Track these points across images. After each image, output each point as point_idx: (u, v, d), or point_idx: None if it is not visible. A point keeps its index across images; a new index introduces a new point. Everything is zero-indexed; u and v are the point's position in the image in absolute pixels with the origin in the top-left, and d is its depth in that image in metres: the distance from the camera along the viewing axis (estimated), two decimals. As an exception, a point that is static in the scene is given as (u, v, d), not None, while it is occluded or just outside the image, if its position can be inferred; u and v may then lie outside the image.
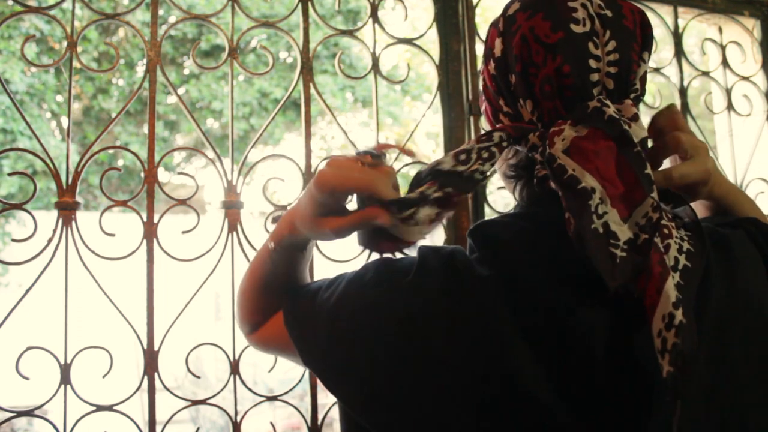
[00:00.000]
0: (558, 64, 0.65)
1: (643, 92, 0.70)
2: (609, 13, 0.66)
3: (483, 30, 1.11)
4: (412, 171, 1.18)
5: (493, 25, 0.73)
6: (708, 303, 0.62)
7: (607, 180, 0.60)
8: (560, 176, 0.62)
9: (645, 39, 0.68)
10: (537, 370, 0.59)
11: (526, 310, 0.61)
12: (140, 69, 8.06)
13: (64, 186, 1.15)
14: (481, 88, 0.76)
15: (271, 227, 0.89)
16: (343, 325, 0.66)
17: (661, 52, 1.89)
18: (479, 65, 1.25)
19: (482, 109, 0.77)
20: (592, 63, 0.65)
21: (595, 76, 0.65)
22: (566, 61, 0.64)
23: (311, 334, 0.69)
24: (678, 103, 1.64)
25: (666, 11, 1.67)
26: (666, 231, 0.61)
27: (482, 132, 0.66)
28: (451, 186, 0.62)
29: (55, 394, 1.10)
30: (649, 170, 0.60)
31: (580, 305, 0.60)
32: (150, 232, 1.18)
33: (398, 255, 0.69)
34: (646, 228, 0.58)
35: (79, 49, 1.63)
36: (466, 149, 0.65)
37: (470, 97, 1.40)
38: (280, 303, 0.76)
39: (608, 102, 0.63)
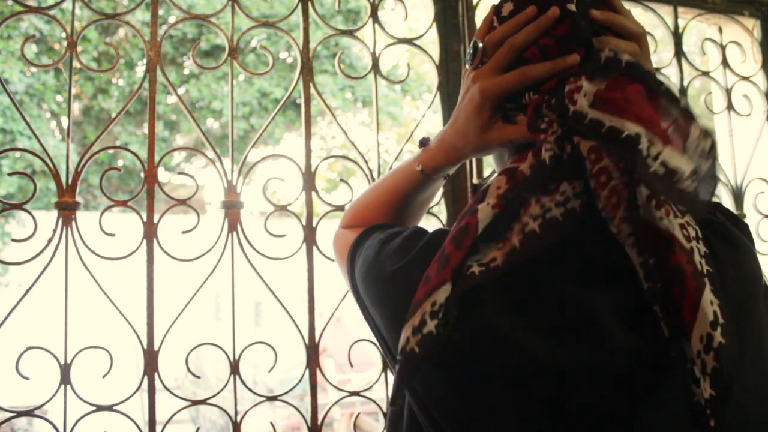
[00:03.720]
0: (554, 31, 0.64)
1: None
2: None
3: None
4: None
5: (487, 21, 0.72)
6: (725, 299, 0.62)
7: (649, 122, 0.57)
8: (598, 130, 0.58)
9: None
10: (537, 342, 0.59)
11: (528, 298, 0.61)
12: (140, 69, 8.06)
13: (64, 186, 1.15)
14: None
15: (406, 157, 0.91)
16: (363, 286, 0.73)
17: (662, 52, 1.89)
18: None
19: None
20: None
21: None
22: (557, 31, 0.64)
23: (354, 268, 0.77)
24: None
25: (666, 11, 1.67)
26: (685, 233, 0.60)
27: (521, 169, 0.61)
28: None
29: (55, 394, 1.10)
30: (684, 104, 0.58)
31: (582, 287, 0.61)
32: (150, 232, 1.18)
33: None
34: (703, 157, 0.56)
35: (79, 49, 1.63)
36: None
37: (470, 97, 1.40)
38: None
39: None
